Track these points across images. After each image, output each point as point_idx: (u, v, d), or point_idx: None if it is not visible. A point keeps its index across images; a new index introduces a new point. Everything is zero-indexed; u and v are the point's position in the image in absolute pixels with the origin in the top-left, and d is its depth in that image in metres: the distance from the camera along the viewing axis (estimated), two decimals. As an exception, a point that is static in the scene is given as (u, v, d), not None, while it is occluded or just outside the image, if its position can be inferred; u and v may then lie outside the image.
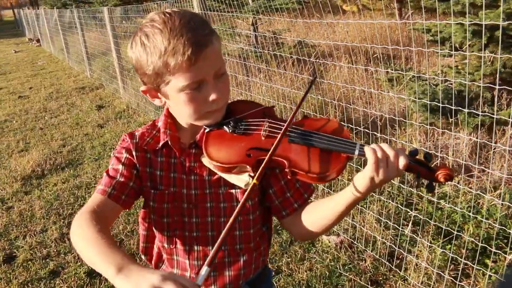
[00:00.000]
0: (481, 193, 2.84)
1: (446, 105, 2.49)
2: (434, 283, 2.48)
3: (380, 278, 2.67)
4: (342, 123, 3.07)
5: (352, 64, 4.90)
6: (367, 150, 0.97)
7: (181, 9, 1.06)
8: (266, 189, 1.20)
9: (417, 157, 1.02)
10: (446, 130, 3.44)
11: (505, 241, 2.64)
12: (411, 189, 3.20)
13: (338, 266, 2.77)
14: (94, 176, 4.52)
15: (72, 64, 11.72)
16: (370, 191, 1.02)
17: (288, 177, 1.05)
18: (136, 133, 1.22)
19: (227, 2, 4.47)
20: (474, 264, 2.31)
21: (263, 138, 1.09)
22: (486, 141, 2.82)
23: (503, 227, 2.50)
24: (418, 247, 2.73)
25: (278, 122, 1.11)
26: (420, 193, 3.10)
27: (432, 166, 1.01)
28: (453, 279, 2.44)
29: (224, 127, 1.12)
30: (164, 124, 1.18)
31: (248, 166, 1.05)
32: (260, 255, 1.28)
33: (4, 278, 2.98)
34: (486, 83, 3.57)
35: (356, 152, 1.01)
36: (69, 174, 4.61)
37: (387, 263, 2.71)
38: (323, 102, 3.62)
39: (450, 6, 2.32)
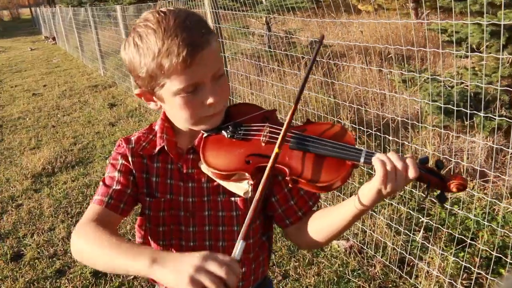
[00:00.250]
0: (496, 200, 2.75)
1: (462, 108, 2.41)
2: (445, 292, 2.40)
3: (390, 285, 2.60)
4: (354, 125, 3.03)
5: (366, 65, 4.82)
6: (375, 161, 0.91)
7: (176, 8, 1.00)
8: (268, 198, 1.14)
9: (428, 164, 0.96)
10: (461, 134, 3.35)
11: (521, 250, 2.55)
12: (424, 194, 3.11)
13: (346, 272, 2.71)
14: (103, 174, 4.48)
15: (86, 62, 11.81)
16: (376, 203, 0.96)
17: (290, 185, 0.99)
18: (132, 138, 1.18)
19: (240, 0, 4.41)
20: (488, 274, 2.23)
21: (263, 144, 1.04)
22: (502, 146, 2.72)
23: (519, 236, 2.41)
24: (430, 254, 2.65)
25: (279, 127, 1.04)
26: (432, 198, 3.01)
27: (444, 174, 0.95)
28: (465, 288, 2.37)
29: (223, 132, 1.07)
30: (160, 128, 1.14)
31: (247, 174, 1.00)
32: (260, 266, 1.22)
33: (11, 276, 2.98)
34: (504, 85, 3.45)
35: (362, 160, 0.95)
36: (79, 173, 4.62)
37: (397, 270, 2.64)
38: (335, 103, 3.55)
39: (467, 5, 2.23)
